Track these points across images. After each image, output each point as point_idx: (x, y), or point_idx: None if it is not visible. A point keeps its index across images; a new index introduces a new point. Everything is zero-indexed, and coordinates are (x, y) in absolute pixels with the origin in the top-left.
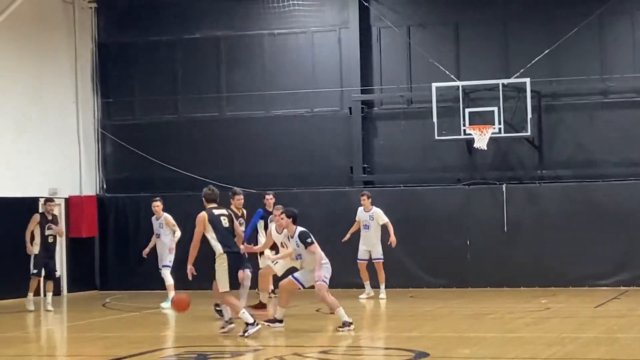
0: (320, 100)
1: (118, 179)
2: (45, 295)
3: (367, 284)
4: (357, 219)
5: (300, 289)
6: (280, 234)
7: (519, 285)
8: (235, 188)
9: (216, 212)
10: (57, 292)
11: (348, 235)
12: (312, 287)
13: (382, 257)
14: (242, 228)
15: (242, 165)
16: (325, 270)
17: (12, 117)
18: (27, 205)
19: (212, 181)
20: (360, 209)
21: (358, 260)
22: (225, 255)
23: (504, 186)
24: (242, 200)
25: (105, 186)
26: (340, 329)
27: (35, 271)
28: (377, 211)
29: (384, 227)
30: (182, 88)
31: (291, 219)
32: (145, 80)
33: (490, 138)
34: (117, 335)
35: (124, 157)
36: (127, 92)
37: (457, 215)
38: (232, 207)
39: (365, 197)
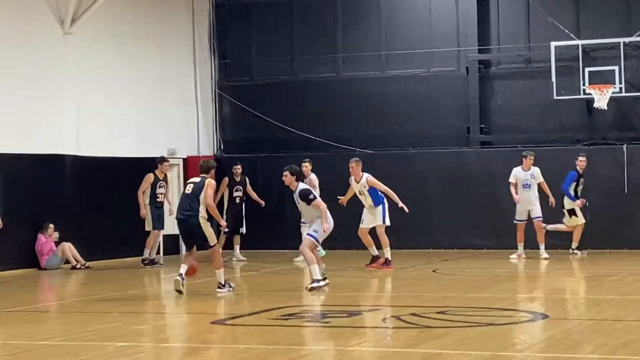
0: (436, 60)
1: (235, 140)
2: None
3: (520, 245)
4: (511, 180)
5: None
6: (358, 183)
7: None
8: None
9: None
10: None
11: (517, 197)
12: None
13: (541, 215)
14: (162, 190)
15: (357, 125)
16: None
17: (132, 79)
18: (147, 165)
19: (327, 141)
20: (518, 169)
21: (516, 222)
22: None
23: (624, 146)
24: (168, 167)
25: (222, 147)
26: (309, 285)
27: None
28: (537, 170)
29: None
30: (299, 48)
31: (294, 177)
32: (262, 41)
33: (611, 98)
34: (236, 294)
35: (241, 118)
36: (244, 53)
37: None
38: (159, 171)
39: (531, 157)
